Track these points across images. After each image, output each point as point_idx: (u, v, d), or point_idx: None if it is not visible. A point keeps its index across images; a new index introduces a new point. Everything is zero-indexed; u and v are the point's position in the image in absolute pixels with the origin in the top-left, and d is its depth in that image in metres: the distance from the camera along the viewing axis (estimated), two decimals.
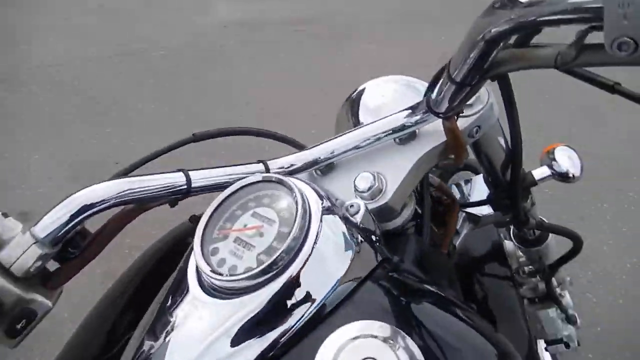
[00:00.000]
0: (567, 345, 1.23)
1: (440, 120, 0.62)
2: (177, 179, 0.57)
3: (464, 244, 0.85)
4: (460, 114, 0.63)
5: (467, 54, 0.48)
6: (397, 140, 0.65)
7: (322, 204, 0.51)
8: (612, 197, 2.41)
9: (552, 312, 1.22)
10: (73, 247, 0.54)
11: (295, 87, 3.27)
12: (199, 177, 0.59)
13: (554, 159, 0.83)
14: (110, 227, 0.57)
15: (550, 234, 1.04)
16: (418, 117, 0.62)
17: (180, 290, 0.51)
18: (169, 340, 0.47)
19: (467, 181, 0.98)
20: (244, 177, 0.62)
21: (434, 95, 0.58)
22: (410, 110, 0.63)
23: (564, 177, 0.80)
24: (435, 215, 0.77)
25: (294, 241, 0.47)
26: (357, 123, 0.83)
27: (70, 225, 0.51)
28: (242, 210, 0.53)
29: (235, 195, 0.54)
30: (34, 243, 0.49)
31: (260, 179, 0.54)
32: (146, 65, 3.61)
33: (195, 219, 0.65)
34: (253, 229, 0.50)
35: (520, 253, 1.16)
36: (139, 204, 0.56)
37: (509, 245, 1.15)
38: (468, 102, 0.63)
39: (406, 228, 0.68)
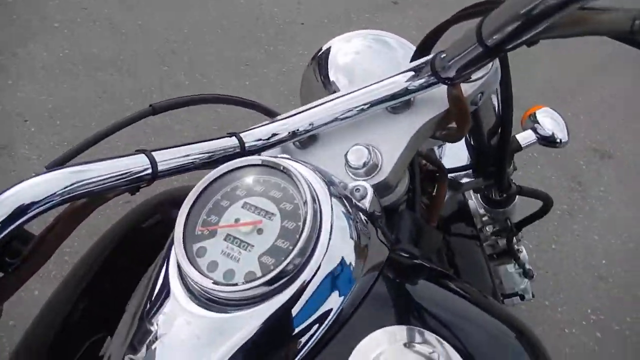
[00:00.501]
0: (522, 297, 1.27)
1: (437, 87, 0.55)
2: (138, 162, 0.46)
3: None
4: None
5: (515, 15, 0.40)
6: (389, 108, 0.58)
7: (329, 190, 0.43)
8: None
9: (510, 267, 1.24)
10: (11, 257, 0.43)
11: None
12: (165, 159, 0.49)
13: (537, 122, 0.80)
14: (59, 227, 0.45)
15: (517, 196, 1.03)
16: (420, 83, 0.54)
17: (161, 296, 0.41)
18: None
19: (440, 147, 0.94)
20: (218, 155, 0.53)
21: (443, 58, 0.51)
22: (409, 75, 0.55)
23: (549, 141, 0.77)
24: (421, 186, 0.71)
25: (307, 241, 0.39)
26: (327, 84, 0.75)
27: (3, 233, 0.39)
28: (229, 201, 0.43)
29: (218, 183, 0.44)
30: None
31: (249, 162, 0.44)
32: None
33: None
34: (249, 224, 0.41)
35: (483, 212, 1.16)
36: (93, 197, 0.44)
37: (472, 205, 1.14)
38: None
39: (399, 204, 0.63)
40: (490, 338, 0.44)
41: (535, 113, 0.80)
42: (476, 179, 0.82)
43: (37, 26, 2.60)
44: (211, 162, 0.52)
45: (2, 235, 0.38)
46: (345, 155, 0.55)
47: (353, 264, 0.42)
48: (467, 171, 0.84)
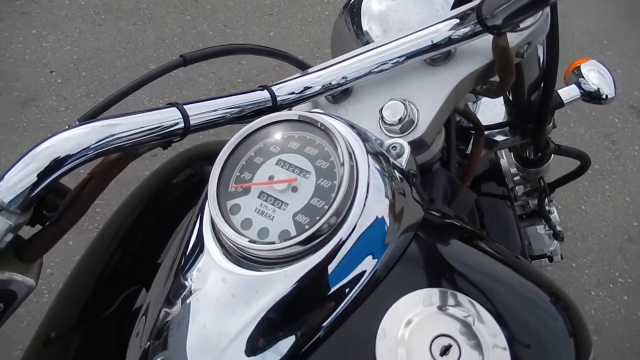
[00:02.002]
0: (551, 259, 1.25)
1: (481, 37, 0.50)
2: (170, 116, 0.45)
3: None
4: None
5: None
6: (427, 60, 0.54)
7: (366, 148, 0.41)
8: None
9: (540, 228, 1.21)
10: (49, 210, 0.43)
11: None
12: (197, 112, 0.47)
13: (581, 76, 0.75)
14: (94, 182, 0.45)
15: (552, 155, 0.99)
16: (464, 32, 0.50)
17: (195, 251, 0.41)
18: (193, 321, 0.38)
19: (475, 102, 0.90)
20: (249, 109, 0.51)
21: (491, 4, 0.47)
22: (452, 23, 0.51)
23: (594, 97, 0.72)
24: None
25: (343, 201, 0.37)
26: (360, 34, 0.71)
27: (41, 186, 0.39)
28: (263, 157, 0.41)
29: (251, 139, 0.42)
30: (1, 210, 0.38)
31: (285, 117, 0.42)
32: None
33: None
34: (283, 182, 0.39)
35: (515, 171, 1.12)
36: (127, 151, 0.43)
37: (504, 163, 1.11)
38: None
39: (434, 162, 0.60)
40: (525, 301, 0.42)
41: (580, 66, 0.74)
42: (513, 137, 0.79)
43: None
44: (242, 116, 0.50)
45: (39, 188, 0.38)
46: (380, 110, 0.53)
47: (388, 224, 0.40)
48: (503, 128, 0.80)
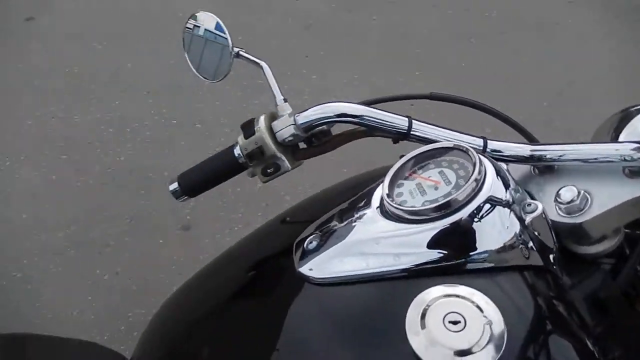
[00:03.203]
0: None
1: None
2: (401, 121, 0.67)
3: None
4: None
5: None
6: (626, 170, 0.60)
7: (498, 187, 0.56)
8: None
9: None
10: (317, 139, 0.72)
11: None
12: (420, 128, 0.67)
13: None
14: (343, 136, 0.72)
15: None
16: None
17: (362, 202, 0.62)
18: (350, 235, 0.59)
19: None
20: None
21: None
22: None
23: None
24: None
25: (453, 202, 0.54)
26: (615, 140, 0.73)
27: (322, 122, 0.67)
28: (435, 165, 0.60)
29: (436, 151, 0.61)
30: (292, 125, 0.68)
31: (462, 148, 0.60)
32: None
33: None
34: (433, 182, 0.58)
35: None
36: (367, 129, 0.69)
37: None
38: None
39: (599, 261, 0.63)
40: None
41: None
42: None
43: None
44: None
45: (323, 122, 0.68)
46: (560, 189, 0.61)
47: (485, 241, 0.54)
48: None
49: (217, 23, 0.74)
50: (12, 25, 2.94)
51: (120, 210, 2.04)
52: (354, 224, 0.60)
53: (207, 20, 0.75)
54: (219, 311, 0.69)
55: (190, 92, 2.47)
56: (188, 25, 0.77)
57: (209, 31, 0.75)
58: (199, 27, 0.76)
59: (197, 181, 0.74)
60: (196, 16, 0.76)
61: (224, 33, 0.74)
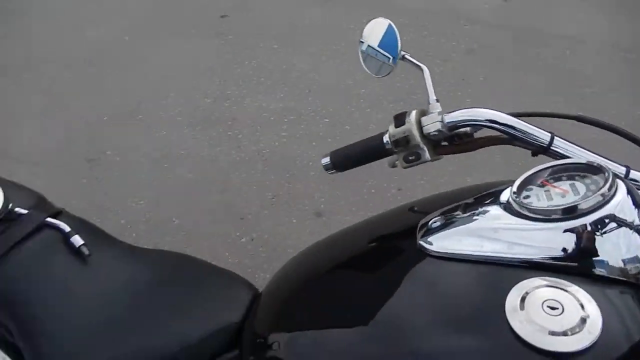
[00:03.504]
0: None
1: None
2: (543, 136, 0.71)
3: None
4: None
5: None
6: None
7: (627, 208, 0.58)
8: None
9: None
10: (458, 138, 0.79)
11: None
12: (561, 145, 0.71)
13: None
14: (483, 140, 0.77)
15: None
16: None
17: (487, 200, 0.69)
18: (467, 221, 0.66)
19: None
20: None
21: None
22: None
23: None
24: None
25: (575, 208, 0.58)
26: None
27: (468, 124, 0.74)
28: (567, 178, 0.65)
29: (574, 166, 0.66)
30: (439, 122, 0.74)
31: (599, 166, 0.64)
32: None
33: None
34: (561, 190, 0.63)
35: None
36: (508, 138, 0.74)
37: None
38: None
39: None
40: None
41: None
42: None
43: None
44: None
45: (468, 125, 0.74)
46: None
47: (606, 254, 0.57)
48: None
49: (389, 25, 0.83)
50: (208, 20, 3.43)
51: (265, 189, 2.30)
52: (476, 215, 0.67)
53: (381, 24, 0.84)
54: (343, 267, 0.80)
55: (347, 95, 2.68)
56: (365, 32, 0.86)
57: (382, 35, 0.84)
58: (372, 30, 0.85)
59: (347, 158, 0.83)
60: (372, 21, 0.85)
61: (395, 36, 0.82)
